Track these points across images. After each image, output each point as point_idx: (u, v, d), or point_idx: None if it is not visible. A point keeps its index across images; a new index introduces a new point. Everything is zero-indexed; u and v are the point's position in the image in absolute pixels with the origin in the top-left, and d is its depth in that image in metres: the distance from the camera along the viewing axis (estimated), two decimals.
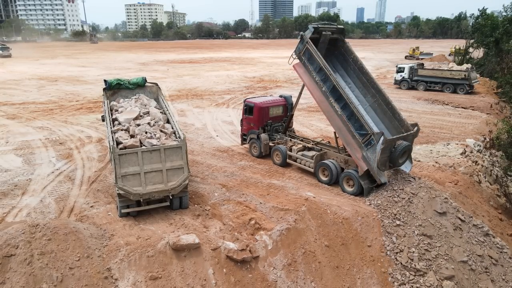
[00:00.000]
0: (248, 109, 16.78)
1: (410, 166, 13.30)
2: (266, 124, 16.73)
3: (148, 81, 14.69)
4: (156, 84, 14.71)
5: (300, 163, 14.81)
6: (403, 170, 13.00)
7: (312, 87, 13.73)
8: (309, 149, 15.18)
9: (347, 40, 14.75)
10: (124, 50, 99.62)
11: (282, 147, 15.53)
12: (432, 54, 69.72)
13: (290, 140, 15.91)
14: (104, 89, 13.91)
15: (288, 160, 15.31)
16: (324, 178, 13.80)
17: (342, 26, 14.91)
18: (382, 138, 11.62)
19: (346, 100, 12.64)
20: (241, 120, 17.47)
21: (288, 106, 17.05)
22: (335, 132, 13.71)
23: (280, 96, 17.58)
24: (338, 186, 13.33)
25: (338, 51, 14.87)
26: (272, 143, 16.26)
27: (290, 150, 15.33)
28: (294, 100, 16.68)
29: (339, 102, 12.84)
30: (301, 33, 13.99)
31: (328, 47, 14.58)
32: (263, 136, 16.37)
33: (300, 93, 15.79)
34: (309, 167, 14.40)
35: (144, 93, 14.35)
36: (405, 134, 12.63)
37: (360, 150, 12.32)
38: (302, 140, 15.96)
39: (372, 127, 12.38)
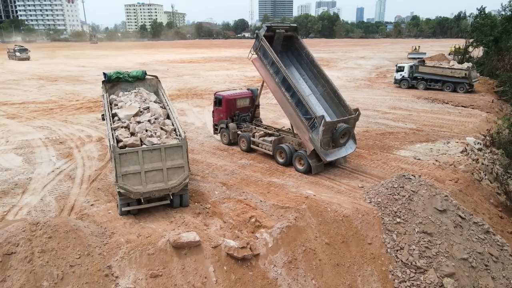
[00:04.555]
0: (218, 101, 18.23)
1: (353, 147, 14.98)
2: (234, 114, 18.15)
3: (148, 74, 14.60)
4: (156, 77, 14.59)
5: (262, 148, 16.25)
6: (347, 152, 14.62)
7: (267, 79, 15.29)
8: (270, 135, 16.63)
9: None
10: (124, 50, 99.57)
11: (247, 134, 16.97)
12: (425, 53, 66.99)
13: (255, 128, 17.32)
14: (103, 82, 13.75)
15: (252, 146, 16.72)
16: (280, 160, 15.43)
17: (295, 25, 16.54)
18: (322, 121, 13.20)
19: (293, 89, 14.15)
20: (213, 112, 18.87)
21: (254, 98, 18.41)
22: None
23: (248, 89, 19.20)
24: (338, 184, 13.36)
25: (294, 47, 16.53)
26: (240, 131, 17.53)
27: (253, 136, 16.63)
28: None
29: (288, 91, 14.35)
30: (257, 31, 15.57)
31: (284, 43, 16.28)
32: (231, 125, 17.81)
33: (262, 86, 17.12)
34: (268, 150, 15.92)
35: (144, 86, 14.23)
36: (345, 118, 14.31)
37: (307, 133, 13.84)
38: (266, 128, 17.38)
39: (315, 112, 13.83)
